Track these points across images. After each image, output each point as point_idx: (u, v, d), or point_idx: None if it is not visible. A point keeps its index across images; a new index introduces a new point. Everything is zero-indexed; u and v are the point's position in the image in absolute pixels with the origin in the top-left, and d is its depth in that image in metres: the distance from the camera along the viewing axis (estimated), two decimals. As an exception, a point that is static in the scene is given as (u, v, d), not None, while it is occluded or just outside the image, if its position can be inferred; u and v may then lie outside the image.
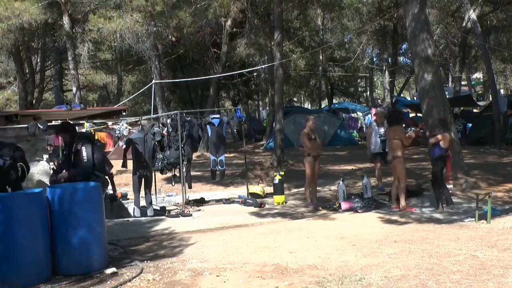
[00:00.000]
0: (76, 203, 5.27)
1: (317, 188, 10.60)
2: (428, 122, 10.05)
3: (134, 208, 9.16)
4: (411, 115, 26.27)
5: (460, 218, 7.54)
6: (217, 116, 10.57)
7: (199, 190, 11.97)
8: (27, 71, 25.17)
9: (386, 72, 21.89)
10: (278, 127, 14.58)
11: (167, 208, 9.45)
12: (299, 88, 33.40)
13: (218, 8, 14.98)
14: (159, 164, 9.68)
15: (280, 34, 14.81)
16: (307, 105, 42.63)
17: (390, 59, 23.05)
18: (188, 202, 9.94)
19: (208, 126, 10.25)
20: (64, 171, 6.20)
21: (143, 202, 9.25)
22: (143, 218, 8.82)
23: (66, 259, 5.20)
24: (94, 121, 10.29)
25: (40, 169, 7.42)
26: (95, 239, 5.36)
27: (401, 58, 29.93)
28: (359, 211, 8.38)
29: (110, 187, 7.31)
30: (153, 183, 10.14)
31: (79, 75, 23.20)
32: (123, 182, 12.77)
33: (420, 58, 10.13)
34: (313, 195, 9.34)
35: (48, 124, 7.61)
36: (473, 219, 7.28)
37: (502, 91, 36.41)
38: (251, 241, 6.44)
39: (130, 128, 11.12)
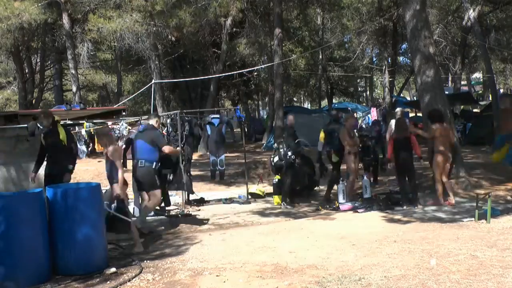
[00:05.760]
0: (79, 202, 5.28)
1: (317, 188, 10.61)
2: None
3: (134, 208, 9.14)
4: (411, 115, 26.22)
5: (463, 217, 7.53)
6: (217, 116, 10.59)
7: (199, 190, 11.94)
8: (27, 71, 25.11)
9: (386, 72, 21.86)
10: (279, 123, 14.57)
11: (166, 208, 9.44)
12: (299, 88, 33.35)
13: (218, 8, 14.97)
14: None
15: (280, 32, 14.82)
16: (307, 105, 42.56)
17: (390, 58, 23.03)
18: (188, 202, 9.94)
19: (208, 126, 10.25)
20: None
21: (143, 202, 9.24)
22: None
23: (67, 259, 5.21)
24: (94, 121, 10.26)
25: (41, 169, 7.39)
26: (97, 239, 5.37)
27: (401, 58, 29.92)
28: (359, 211, 8.38)
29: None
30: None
31: (79, 75, 23.16)
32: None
33: (420, 55, 10.09)
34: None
35: None
36: (473, 218, 7.27)
37: (502, 90, 36.39)
38: (251, 241, 6.44)
39: (130, 128, 11.06)
